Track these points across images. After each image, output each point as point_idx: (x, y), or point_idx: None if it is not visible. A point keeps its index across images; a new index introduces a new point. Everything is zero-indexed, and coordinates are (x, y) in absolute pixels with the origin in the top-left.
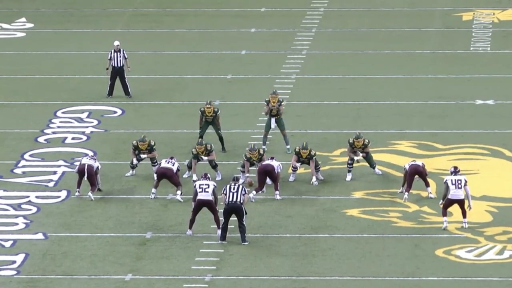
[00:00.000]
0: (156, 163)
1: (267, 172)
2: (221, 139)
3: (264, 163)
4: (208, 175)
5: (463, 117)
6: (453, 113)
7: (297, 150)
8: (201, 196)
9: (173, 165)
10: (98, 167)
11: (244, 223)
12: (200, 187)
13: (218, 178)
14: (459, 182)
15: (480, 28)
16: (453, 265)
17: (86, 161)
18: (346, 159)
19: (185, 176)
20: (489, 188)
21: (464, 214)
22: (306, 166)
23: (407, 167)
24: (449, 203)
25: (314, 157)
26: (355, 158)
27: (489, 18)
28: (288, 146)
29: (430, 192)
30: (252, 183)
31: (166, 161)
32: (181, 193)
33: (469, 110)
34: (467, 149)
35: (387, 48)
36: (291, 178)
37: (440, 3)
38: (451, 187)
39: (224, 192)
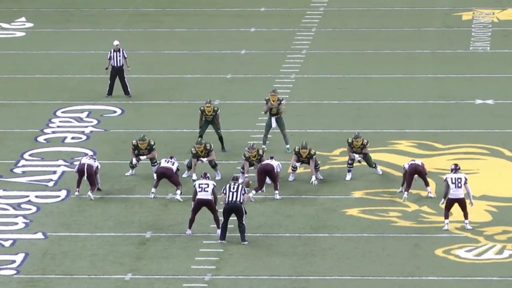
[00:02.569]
0: (156, 163)
1: (266, 172)
2: (220, 138)
3: (263, 162)
4: (208, 174)
5: (463, 117)
6: (453, 112)
7: (296, 149)
8: (200, 195)
9: (172, 165)
10: (97, 166)
11: (244, 222)
12: (199, 187)
13: (218, 177)
14: (459, 180)
15: (479, 27)
16: (452, 265)
17: (85, 160)
18: (346, 158)
19: (184, 175)
20: (489, 188)
21: (465, 216)
22: (306, 166)
23: (406, 166)
24: (450, 202)
25: (314, 157)
26: (356, 158)
27: (488, 17)
28: (288, 146)
29: (430, 192)
30: (250, 184)
31: (165, 161)
32: (181, 193)
33: (468, 109)
34: (466, 149)
35: (387, 48)
36: (291, 178)
37: (440, 3)
38: (451, 186)
39: (224, 192)
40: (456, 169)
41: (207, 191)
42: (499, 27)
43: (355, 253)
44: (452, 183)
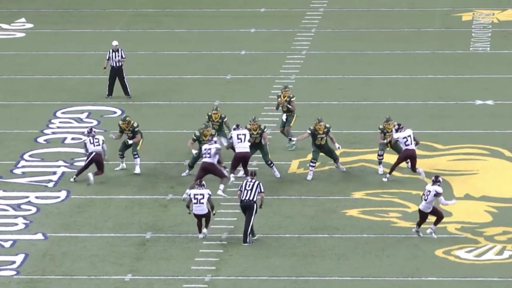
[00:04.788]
0: (137, 156)
1: (243, 159)
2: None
3: (243, 150)
4: (203, 182)
5: (463, 118)
6: (453, 113)
7: (312, 128)
8: (196, 210)
9: (209, 155)
10: (103, 141)
11: (252, 222)
12: (195, 198)
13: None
14: (428, 193)
15: (479, 28)
16: (452, 265)
17: (93, 148)
18: (346, 159)
19: (183, 174)
20: (489, 189)
21: (435, 222)
22: (305, 167)
23: (400, 139)
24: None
25: (330, 128)
26: (385, 141)
27: (488, 18)
28: (291, 138)
29: (421, 173)
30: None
31: (205, 152)
32: (224, 188)
33: (468, 110)
34: (466, 150)
35: (386, 48)
36: (309, 177)
37: (439, 4)
38: (422, 197)
39: (240, 189)
40: (435, 181)
41: (202, 203)
42: (499, 28)
43: (355, 254)
44: (422, 194)
